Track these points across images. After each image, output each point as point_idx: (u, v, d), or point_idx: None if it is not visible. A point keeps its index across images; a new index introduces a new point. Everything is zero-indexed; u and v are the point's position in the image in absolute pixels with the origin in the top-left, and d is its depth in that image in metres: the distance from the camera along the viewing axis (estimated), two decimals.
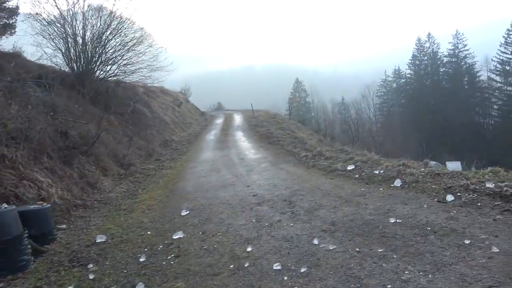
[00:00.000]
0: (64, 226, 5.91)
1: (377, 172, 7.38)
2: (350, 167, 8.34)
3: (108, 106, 14.33)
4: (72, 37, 13.75)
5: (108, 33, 14.34)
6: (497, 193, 4.86)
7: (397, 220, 4.55)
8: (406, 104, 56.57)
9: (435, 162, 7.85)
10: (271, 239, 4.50)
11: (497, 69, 48.26)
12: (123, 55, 15.18)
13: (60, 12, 13.66)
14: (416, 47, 57.19)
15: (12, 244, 4.11)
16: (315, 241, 4.22)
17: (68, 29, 13.73)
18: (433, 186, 5.80)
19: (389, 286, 3.06)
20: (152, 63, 16.15)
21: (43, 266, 4.37)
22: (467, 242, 3.67)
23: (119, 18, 14.75)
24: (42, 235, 4.95)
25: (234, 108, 42.20)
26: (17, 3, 19.72)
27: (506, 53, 47.10)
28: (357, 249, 3.87)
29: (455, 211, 4.62)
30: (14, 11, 18.61)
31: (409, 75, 58.50)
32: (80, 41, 13.95)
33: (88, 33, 14.14)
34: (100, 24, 14.19)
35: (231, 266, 3.85)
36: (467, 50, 52.89)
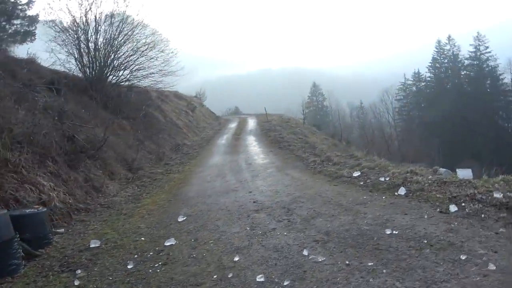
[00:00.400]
0: (62, 230, 5.95)
1: (382, 179, 7.10)
2: (356, 174, 8.08)
3: (120, 111, 14.54)
4: (84, 43, 14.07)
5: (120, 39, 14.60)
6: (504, 204, 4.54)
7: (394, 232, 4.32)
8: (426, 108, 55.10)
9: (445, 169, 7.48)
10: (261, 249, 4.37)
11: None
12: (135, 60, 15.40)
13: (74, 18, 14.00)
14: (436, 50, 55.86)
15: (2, 248, 4.14)
16: (305, 252, 4.06)
17: (81, 35, 14.06)
18: (438, 195, 5.50)
19: None
20: (163, 68, 16.30)
21: (33, 271, 4.39)
22: (463, 257, 3.42)
23: (131, 24, 15.00)
24: (37, 239, 4.98)
25: (250, 112, 42.21)
26: (37, 12, 20.45)
27: None
28: (347, 262, 3.69)
29: (456, 223, 4.35)
30: (34, 19, 19.37)
31: (429, 78, 57.12)
32: (93, 46, 14.26)
33: (100, 39, 14.44)
34: (112, 30, 14.47)
35: (215, 276, 3.74)
36: (489, 52, 51.19)
